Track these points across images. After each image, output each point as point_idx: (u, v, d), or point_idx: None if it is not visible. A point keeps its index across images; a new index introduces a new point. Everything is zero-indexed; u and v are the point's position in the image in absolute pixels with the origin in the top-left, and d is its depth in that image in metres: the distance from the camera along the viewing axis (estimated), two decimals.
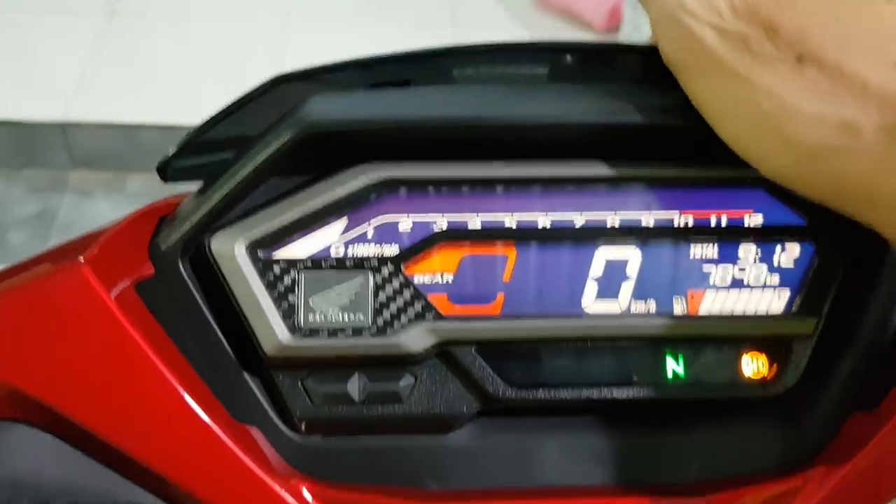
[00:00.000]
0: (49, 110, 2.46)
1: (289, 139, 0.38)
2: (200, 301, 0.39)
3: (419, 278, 0.39)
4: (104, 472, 0.37)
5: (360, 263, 0.39)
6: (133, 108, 2.46)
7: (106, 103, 2.49)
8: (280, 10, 2.80)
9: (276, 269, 0.39)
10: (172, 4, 2.83)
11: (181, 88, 2.54)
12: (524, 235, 0.40)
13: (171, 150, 0.41)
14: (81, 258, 0.37)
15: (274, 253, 0.39)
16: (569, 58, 0.44)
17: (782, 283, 0.40)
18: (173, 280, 0.39)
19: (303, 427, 0.39)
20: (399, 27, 2.68)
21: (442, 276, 0.40)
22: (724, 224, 0.40)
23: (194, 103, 2.35)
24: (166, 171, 0.42)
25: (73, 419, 0.36)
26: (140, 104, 2.46)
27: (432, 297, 0.39)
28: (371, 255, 0.39)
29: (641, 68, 0.44)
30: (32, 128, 2.46)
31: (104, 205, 2.50)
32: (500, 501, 0.38)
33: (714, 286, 0.40)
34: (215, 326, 0.39)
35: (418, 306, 0.39)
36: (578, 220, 0.40)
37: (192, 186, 0.42)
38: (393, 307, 0.39)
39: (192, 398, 0.37)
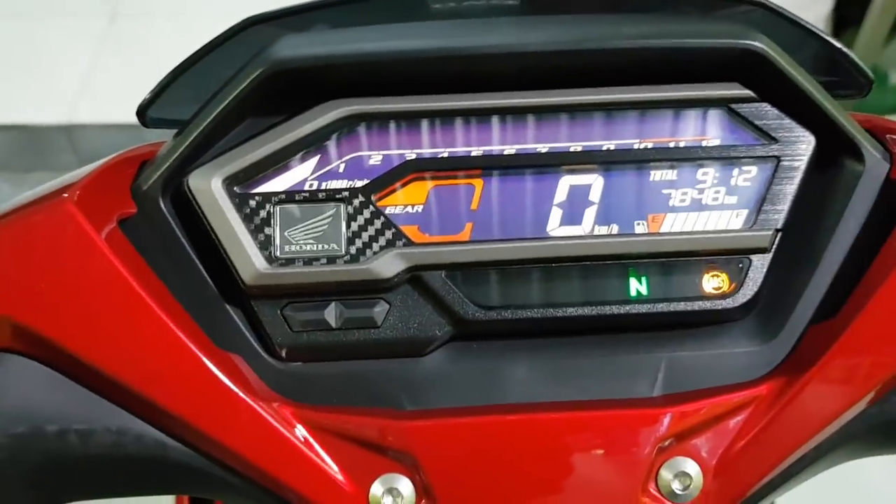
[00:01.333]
0: (54, 113, 2.49)
1: (257, 76, 0.40)
2: (181, 236, 0.41)
3: (390, 210, 0.41)
4: (95, 400, 0.39)
5: (332, 196, 0.41)
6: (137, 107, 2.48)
7: (111, 104, 2.51)
8: (281, 6, 2.81)
9: (253, 202, 0.41)
10: (174, 4, 2.85)
11: None
12: (490, 164, 0.41)
13: (148, 96, 0.43)
14: (66, 196, 0.38)
15: (250, 188, 0.41)
16: None
17: (739, 203, 0.42)
18: (155, 217, 0.41)
19: (283, 353, 0.41)
20: None
21: (412, 207, 0.41)
22: (682, 148, 0.42)
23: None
24: (145, 118, 0.43)
25: (65, 348, 0.38)
26: None
27: (403, 228, 0.41)
28: (343, 187, 0.41)
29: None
30: (38, 131, 2.48)
31: None
32: (471, 418, 0.40)
33: (674, 208, 0.42)
34: (196, 260, 0.41)
35: (389, 235, 0.41)
36: (542, 147, 0.41)
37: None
38: (364, 236, 0.41)
39: (177, 327, 0.38)
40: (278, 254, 0.41)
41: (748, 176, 0.42)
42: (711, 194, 0.42)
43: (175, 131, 0.43)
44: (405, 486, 0.39)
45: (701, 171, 0.42)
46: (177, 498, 0.84)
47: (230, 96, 0.40)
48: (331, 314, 0.41)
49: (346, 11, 0.47)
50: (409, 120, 0.41)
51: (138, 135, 2.59)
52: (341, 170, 0.41)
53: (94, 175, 0.40)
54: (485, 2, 0.49)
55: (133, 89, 2.48)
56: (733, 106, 0.42)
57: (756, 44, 0.40)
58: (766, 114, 0.42)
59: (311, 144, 0.41)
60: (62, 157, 2.51)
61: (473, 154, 0.41)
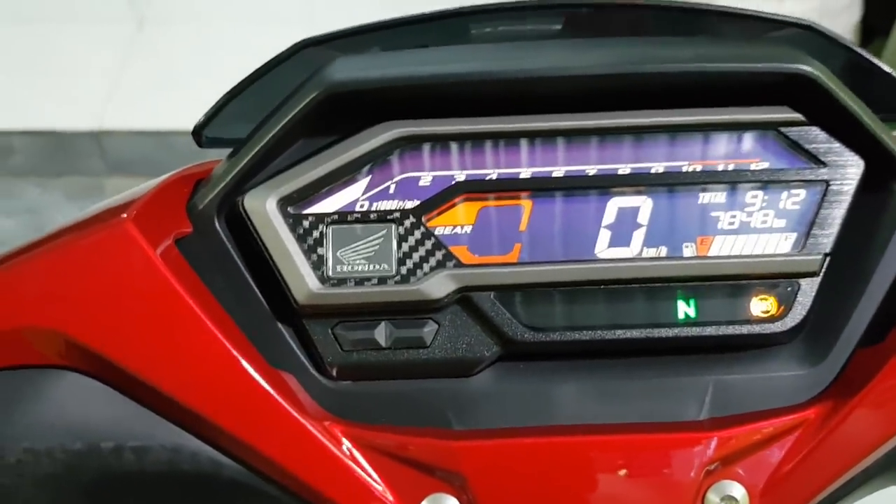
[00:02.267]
0: (83, 118, 2.51)
1: (313, 99, 0.40)
2: (236, 256, 0.42)
3: (440, 230, 0.42)
4: (151, 417, 0.39)
5: (383, 217, 0.41)
6: (165, 113, 2.50)
7: (139, 110, 2.54)
8: (306, 12, 2.83)
9: (306, 223, 0.41)
10: (201, 9, 2.88)
11: (213, 93, 2.57)
12: (538, 186, 0.42)
13: (204, 117, 0.44)
14: (125, 216, 0.39)
15: (303, 208, 0.41)
16: (580, 13, 0.46)
17: (787, 226, 0.42)
18: (210, 236, 0.42)
19: (334, 372, 0.42)
20: None
21: (462, 228, 0.42)
22: (731, 171, 0.42)
23: None
24: (201, 138, 0.44)
25: (121, 365, 0.38)
26: (172, 110, 2.50)
27: (453, 248, 0.41)
28: (394, 208, 0.41)
29: (650, 23, 0.46)
30: (67, 136, 2.51)
31: None
32: (520, 439, 0.40)
33: (722, 231, 0.42)
34: (250, 279, 0.42)
35: (439, 255, 0.41)
36: (590, 169, 0.42)
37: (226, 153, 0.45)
38: (415, 256, 0.41)
39: (232, 345, 0.39)
40: (330, 274, 0.41)
41: (797, 199, 0.42)
42: (760, 217, 0.42)
43: (230, 151, 0.43)
44: None
45: (750, 193, 0.42)
46: None
47: (286, 118, 0.41)
48: (381, 334, 0.41)
49: (393, 35, 0.47)
50: (460, 142, 0.42)
51: (166, 140, 2.62)
52: (392, 191, 0.42)
53: (152, 194, 0.41)
54: (525, 27, 0.50)
55: (160, 94, 2.51)
56: (782, 129, 0.42)
57: (806, 68, 0.40)
58: (815, 137, 0.42)
59: (363, 165, 0.42)
60: (91, 161, 2.54)
61: (522, 176, 0.42)
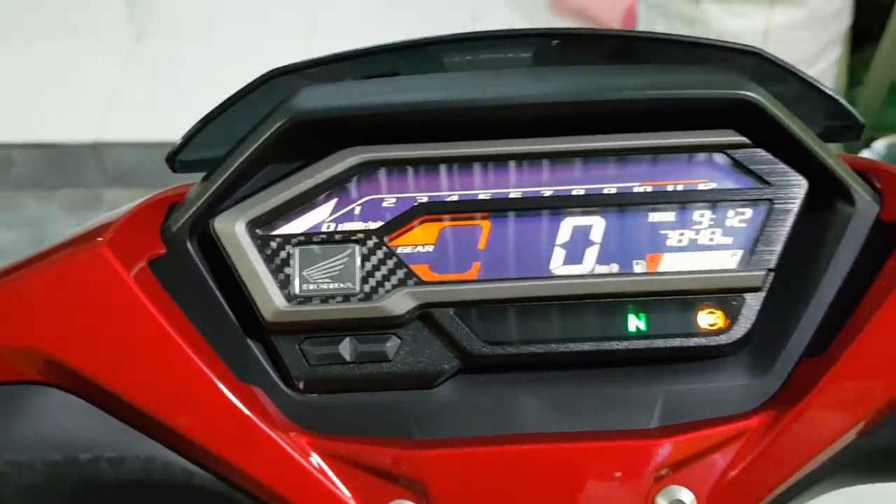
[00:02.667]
0: (81, 131, 2.54)
1: (279, 126, 0.42)
2: (207, 276, 0.44)
3: (402, 250, 0.44)
4: (126, 430, 0.41)
5: (348, 237, 0.44)
6: (164, 125, 2.52)
7: (137, 121, 2.56)
8: (306, 23, 2.86)
9: (273, 244, 0.43)
10: (199, 21, 2.91)
11: (211, 104, 2.59)
12: (497, 207, 0.44)
13: (177, 143, 0.46)
14: (101, 240, 0.41)
15: (271, 230, 0.44)
16: (548, 43, 0.49)
17: (733, 243, 0.44)
18: (183, 258, 0.44)
19: (301, 385, 0.44)
20: (420, 33, 2.74)
21: (423, 247, 0.44)
22: (680, 191, 0.44)
23: None
24: (174, 164, 0.46)
25: (98, 382, 0.40)
26: (170, 121, 2.52)
27: (415, 267, 0.44)
28: (358, 229, 0.44)
29: (609, 50, 0.48)
30: (66, 148, 2.53)
31: None
32: (478, 448, 0.42)
33: (671, 248, 0.44)
34: (220, 298, 0.44)
35: (401, 274, 0.43)
36: (546, 191, 0.44)
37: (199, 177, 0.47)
38: (378, 275, 0.43)
39: (202, 362, 0.41)
40: (297, 292, 0.43)
41: (743, 218, 0.44)
42: (707, 235, 0.44)
43: (203, 175, 0.46)
44: None
45: (697, 213, 0.44)
46: None
47: (254, 145, 0.43)
48: (345, 349, 0.44)
49: (364, 63, 0.50)
50: (421, 166, 0.44)
51: (164, 151, 2.64)
52: (357, 212, 0.44)
53: (127, 218, 0.43)
54: (497, 56, 0.52)
55: (159, 107, 2.53)
56: (729, 151, 0.44)
57: (749, 94, 0.42)
58: (760, 159, 0.44)
59: (329, 189, 0.44)
60: (90, 174, 2.56)
61: (481, 197, 0.44)
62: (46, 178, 2.56)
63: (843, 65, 2.24)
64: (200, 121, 0.46)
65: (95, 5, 2.91)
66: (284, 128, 0.43)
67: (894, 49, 2.14)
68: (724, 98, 0.43)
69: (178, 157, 0.47)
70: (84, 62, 2.75)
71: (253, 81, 0.46)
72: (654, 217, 0.44)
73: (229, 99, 0.46)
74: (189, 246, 0.44)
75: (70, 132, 2.54)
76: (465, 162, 0.44)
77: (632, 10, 2.58)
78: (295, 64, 0.47)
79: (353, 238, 0.44)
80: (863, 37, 2.31)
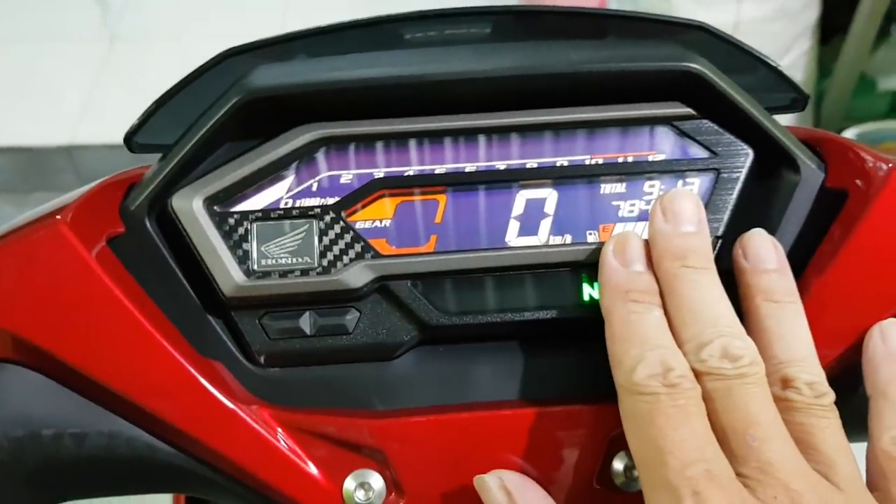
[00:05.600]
0: (56, 134, 2.52)
1: (234, 104, 0.43)
2: (166, 253, 0.44)
3: (359, 224, 0.45)
4: (88, 406, 0.42)
5: (305, 213, 0.44)
6: None
7: (111, 125, 2.55)
8: (278, 27, 2.86)
9: (231, 220, 0.44)
10: (172, 26, 2.90)
11: None
12: (452, 181, 0.45)
13: (134, 124, 0.46)
14: (59, 217, 0.42)
15: (228, 207, 0.44)
16: (506, 20, 0.50)
17: None
18: (141, 236, 0.44)
19: (262, 360, 0.44)
20: None
21: (380, 222, 0.45)
22: (630, 163, 0.45)
23: None
24: (132, 144, 0.47)
25: (59, 357, 0.41)
26: None
27: (373, 241, 0.44)
28: (315, 205, 0.44)
29: (562, 27, 0.49)
30: (40, 152, 2.52)
31: None
32: (435, 416, 0.43)
33: (622, 218, 0.45)
34: (180, 275, 0.45)
35: (358, 248, 0.44)
36: (500, 165, 0.45)
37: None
38: (335, 249, 0.44)
39: (163, 337, 0.42)
40: (255, 267, 0.44)
41: (691, 187, 0.45)
42: None
43: (160, 155, 0.46)
44: (376, 480, 0.42)
45: (647, 183, 0.45)
46: (174, 497, 0.87)
47: (209, 123, 0.43)
48: (305, 322, 0.44)
49: (322, 42, 0.50)
50: (377, 141, 0.45)
51: (136, 155, 2.62)
52: (314, 188, 0.45)
53: (85, 197, 0.44)
54: (454, 31, 0.53)
55: (133, 110, 2.51)
56: (676, 123, 0.45)
57: (693, 66, 0.44)
58: (707, 129, 0.45)
59: (286, 166, 0.44)
60: (64, 177, 2.55)
61: (436, 172, 0.45)
62: (20, 181, 2.55)
63: (812, 56, 2.26)
64: (156, 101, 0.46)
65: (68, 10, 2.90)
66: (239, 105, 0.43)
67: (862, 40, 2.17)
68: (669, 70, 0.44)
69: (134, 138, 0.47)
70: (58, 66, 2.73)
71: (208, 61, 0.46)
72: (606, 188, 0.45)
73: (185, 79, 0.47)
74: (147, 224, 0.44)
75: (44, 136, 2.53)
76: (421, 137, 0.45)
77: (603, 1, 2.60)
78: (250, 43, 0.48)
79: (311, 213, 0.44)
80: (831, 28, 2.34)
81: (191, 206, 0.43)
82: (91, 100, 2.65)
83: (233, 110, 0.43)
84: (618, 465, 0.42)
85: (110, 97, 2.66)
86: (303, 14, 2.91)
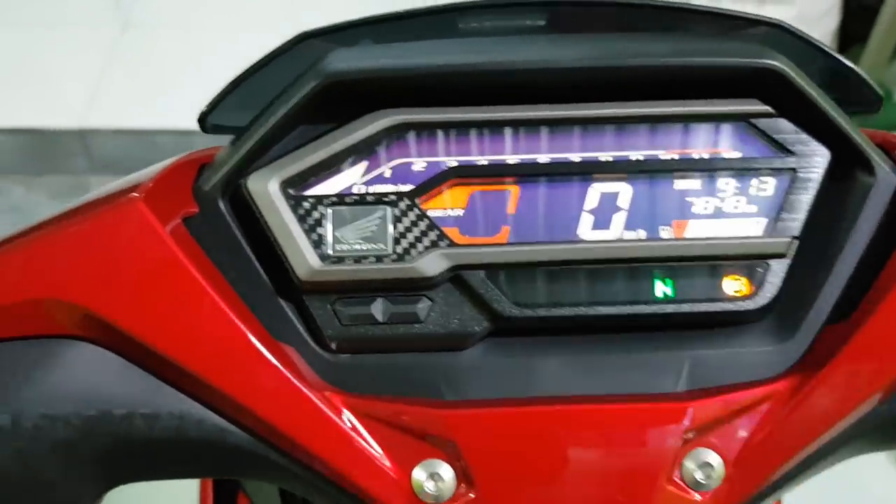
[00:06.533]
0: (68, 117, 2.52)
1: (312, 88, 0.43)
2: (239, 235, 0.44)
3: (433, 213, 0.44)
4: (160, 386, 0.42)
5: (380, 199, 0.44)
6: (149, 113, 2.52)
7: (123, 109, 2.55)
8: (290, 16, 2.85)
9: (306, 204, 0.44)
10: (183, 14, 2.89)
11: (195, 94, 2.58)
12: (526, 172, 0.44)
13: (208, 105, 0.46)
14: (136, 195, 0.41)
15: (303, 190, 0.44)
16: (562, 10, 0.49)
17: (758, 211, 0.45)
18: (215, 217, 0.44)
19: (333, 346, 0.44)
20: None
21: (454, 211, 0.44)
22: (705, 159, 0.45)
23: None
24: (206, 124, 0.47)
25: (133, 336, 0.41)
26: (156, 110, 2.51)
27: (446, 230, 0.44)
28: (389, 191, 0.44)
29: (630, 20, 0.49)
30: (52, 135, 2.51)
31: None
32: (507, 409, 0.43)
33: (697, 215, 0.45)
34: (252, 257, 0.44)
35: (433, 236, 0.44)
36: (574, 157, 0.44)
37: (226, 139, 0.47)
38: (410, 237, 0.44)
39: (238, 318, 0.41)
40: (330, 252, 0.44)
41: (766, 186, 0.45)
42: (732, 203, 0.45)
43: (231, 137, 0.46)
44: (446, 471, 0.42)
45: (722, 180, 0.45)
46: (201, 483, 0.87)
47: (287, 105, 0.43)
48: (377, 309, 0.44)
49: (385, 29, 0.50)
50: (452, 129, 0.44)
51: (149, 139, 2.62)
52: (387, 175, 0.44)
53: (160, 176, 0.43)
54: (510, 23, 0.53)
55: (143, 95, 2.52)
56: (752, 121, 0.45)
57: (775, 63, 0.43)
58: (784, 128, 0.45)
59: (361, 151, 0.44)
60: (75, 161, 2.54)
61: (510, 162, 0.44)
62: (31, 164, 2.54)
63: None
64: (231, 83, 0.46)
65: None
66: (317, 89, 0.43)
67: (880, 51, 2.17)
68: (750, 66, 0.44)
69: (208, 119, 0.47)
70: (71, 51, 2.73)
71: (282, 45, 0.46)
72: (680, 184, 0.45)
73: (258, 62, 0.46)
74: (221, 205, 0.44)
75: (56, 118, 2.52)
76: (496, 126, 0.45)
77: None
78: (322, 28, 0.47)
79: (386, 200, 0.44)
80: (850, 38, 2.34)
81: (266, 189, 0.43)
82: (102, 84, 2.64)
83: (312, 93, 0.43)
84: (690, 464, 0.42)
85: (122, 82, 2.66)
86: (311, 2, 2.91)
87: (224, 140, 0.47)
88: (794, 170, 0.45)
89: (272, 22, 2.85)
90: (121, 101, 2.59)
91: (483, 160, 0.44)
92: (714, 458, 0.42)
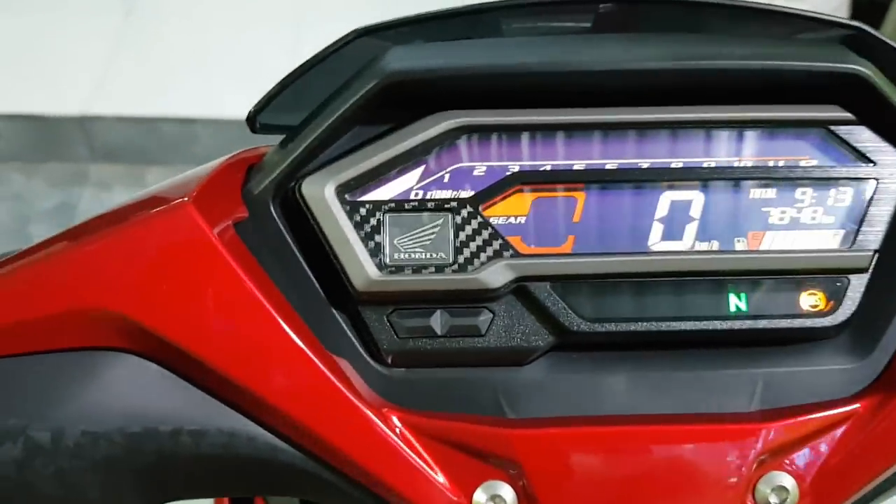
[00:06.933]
0: (69, 105, 2.49)
1: (371, 87, 0.40)
2: (291, 241, 0.42)
3: (495, 220, 0.42)
4: (208, 401, 0.39)
5: (440, 205, 0.42)
6: (151, 101, 2.49)
7: (125, 97, 2.52)
8: (290, 7, 2.82)
9: (363, 210, 0.41)
10: (187, 2, 2.86)
11: (198, 82, 2.56)
12: (592, 178, 0.42)
13: (258, 103, 0.44)
14: (186, 199, 0.39)
15: (360, 195, 0.42)
16: (612, 10, 0.47)
17: (836, 222, 0.42)
18: (266, 222, 0.42)
19: (388, 359, 0.42)
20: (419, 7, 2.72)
21: (516, 218, 0.42)
22: (781, 167, 0.42)
23: (211, 96, 2.38)
24: (255, 124, 0.44)
25: (180, 346, 0.38)
26: (158, 98, 2.49)
27: (509, 238, 0.42)
28: (450, 197, 0.42)
29: (685, 19, 0.46)
30: (52, 122, 2.49)
31: (124, 198, 2.52)
32: (574, 428, 0.40)
33: (773, 226, 0.42)
34: (305, 265, 0.42)
35: (496, 245, 0.42)
36: (643, 163, 0.42)
37: (274, 140, 0.45)
38: (472, 246, 0.41)
39: (291, 329, 0.39)
40: (388, 261, 0.41)
41: (845, 196, 0.43)
42: (809, 213, 0.42)
43: (282, 137, 0.43)
44: (507, 492, 0.40)
45: (799, 190, 0.43)
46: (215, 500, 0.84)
47: (345, 106, 0.41)
48: (436, 321, 0.42)
49: (433, 27, 0.48)
50: (514, 133, 0.42)
51: (152, 127, 2.60)
52: (446, 180, 0.42)
53: (209, 179, 0.41)
54: (556, 24, 0.50)
55: (145, 83, 2.50)
56: (832, 128, 0.43)
57: (860, 69, 0.41)
58: (865, 136, 0.43)
59: (420, 154, 0.42)
60: (76, 148, 2.52)
61: (576, 167, 0.42)
62: (31, 151, 2.51)
63: None
64: (281, 81, 0.44)
65: None
66: (377, 89, 0.41)
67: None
68: (833, 71, 0.41)
69: (258, 118, 0.44)
70: (74, 38, 2.70)
71: (336, 41, 0.44)
72: (755, 193, 0.43)
73: (311, 59, 0.44)
74: (272, 209, 0.42)
75: (57, 105, 2.49)
76: (560, 130, 0.42)
77: None
78: (376, 24, 0.45)
79: (447, 206, 0.42)
80: None
81: (322, 194, 0.41)
82: (105, 72, 2.62)
83: (371, 93, 0.40)
84: (765, 487, 0.40)
85: (125, 69, 2.63)
86: None
87: (270, 140, 0.45)
88: (875, 180, 0.42)
89: (276, 9, 2.83)
90: (123, 88, 2.56)
91: (548, 165, 0.42)
92: (789, 482, 0.40)
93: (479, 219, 0.42)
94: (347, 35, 0.44)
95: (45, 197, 2.45)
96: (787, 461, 0.40)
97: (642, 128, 0.42)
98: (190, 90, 2.52)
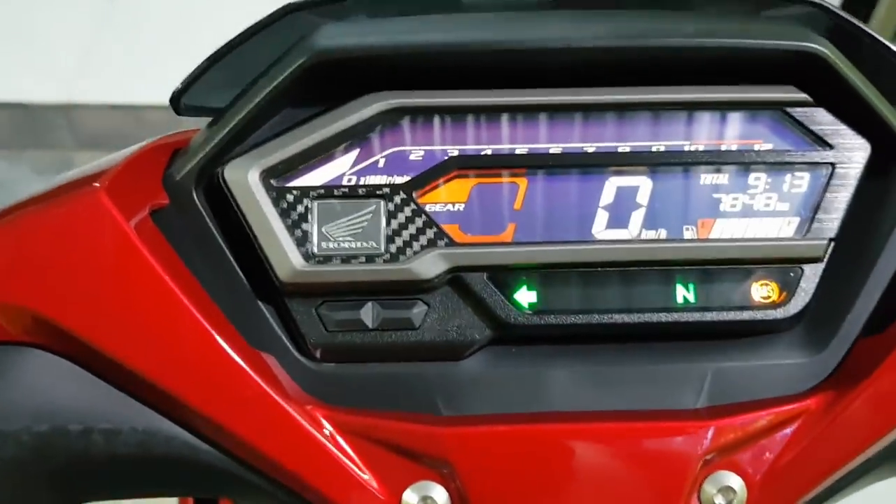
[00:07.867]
0: (53, 91, 2.47)
1: (298, 66, 0.38)
2: (214, 230, 0.40)
3: (431, 207, 0.40)
4: (122, 398, 0.37)
5: (372, 192, 0.39)
6: (137, 88, 2.46)
7: (110, 84, 2.50)
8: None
9: (290, 196, 0.39)
10: None
11: (185, 68, 2.53)
12: (535, 163, 0.40)
13: (182, 84, 0.41)
14: (98, 185, 0.37)
15: (287, 181, 0.39)
16: None
17: (791, 210, 0.40)
18: (188, 209, 0.40)
19: (317, 353, 0.40)
20: None
21: (454, 206, 0.40)
22: (734, 151, 0.40)
23: None
24: (179, 105, 0.42)
25: (91, 343, 0.36)
26: (144, 84, 2.46)
27: (445, 227, 0.40)
28: (383, 183, 0.39)
29: None
30: (36, 109, 2.47)
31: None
32: (511, 426, 0.38)
33: (724, 213, 0.40)
34: (229, 255, 0.40)
35: (430, 234, 0.39)
36: (589, 147, 0.40)
37: (205, 121, 0.43)
38: (405, 234, 0.39)
39: (209, 324, 0.37)
40: (315, 251, 0.39)
41: (801, 182, 0.40)
42: (763, 200, 0.40)
43: (208, 120, 0.41)
44: (440, 494, 0.38)
45: (752, 175, 0.40)
46: (180, 499, 0.82)
47: (271, 85, 0.39)
48: (367, 314, 0.40)
49: (379, 3, 0.45)
50: (453, 115, 0.40)
51: (137, 114, 2.57)
52: (381, 165, 0.40)
53: (126, 163, 0.39)
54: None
55: (131, 69, 2.47)
56: (788, 109, 0.41)
57: (818, 47, 0.39)
58: (822, 119, 0.41)
59: (352, 138, 0.40)
60: (59, 135, 2.49)
61: (518, 152, 0.40)
62: (15, 138, 2.49)
63: None
64: (207, 60, 0.41)
65: None
66: (305, 67, 0.38)
67: (880, 34, 2.13)
68: (790, 50, 0.39)
69: (182, 99, 0.42)
70: (57, 24, 2.67)
71: (265, 18, 0.41)
72: (706, 179, 0.40)
73: (239, 36, 0.41)
74: (195, 196, 0.40)
75: (41, 92, 2.47)
76: (502, 112, 0.40)
77: None
78: (308, 0, 0.43)
79: (379, 193, 0.39)
80: None
81: (246, 179, 0.39)
82: (89, 58, 2.59)
83: (298, 72, 0.38)
84: (710, 488, 0.38)
85: (110, 55, 2.60)
86: None
87: (199, 123, 0.43)
88: (832, 164, 0.40)
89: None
90: (107, 75, 2.53)
91: (488, 149, 0.40)
92: (736, 482, 0.38)
93: (413, 206, 0.40)
94: (279, 10, 0.42)
95: (29, 184, 2.42)
96: (735, 460, 0.38)
97: (588, 110, 0.40)
98: (175, 77, 2.48)
